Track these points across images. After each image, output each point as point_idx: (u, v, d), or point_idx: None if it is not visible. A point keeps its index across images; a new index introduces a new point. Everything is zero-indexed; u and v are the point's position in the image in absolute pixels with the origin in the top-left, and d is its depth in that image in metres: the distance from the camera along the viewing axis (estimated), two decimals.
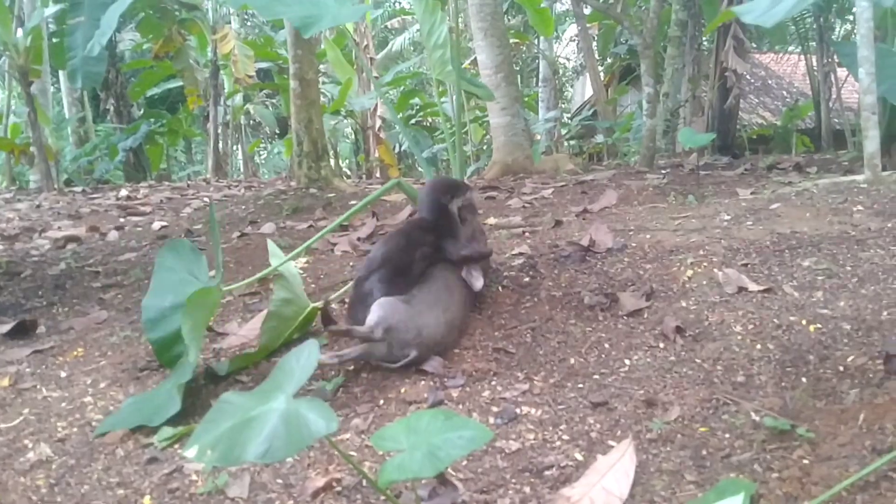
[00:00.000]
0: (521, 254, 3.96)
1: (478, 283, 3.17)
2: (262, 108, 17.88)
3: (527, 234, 4.54)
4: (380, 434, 1.76)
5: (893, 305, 2.82)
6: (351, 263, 4.49)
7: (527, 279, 3.58)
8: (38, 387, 3.22)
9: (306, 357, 1.70)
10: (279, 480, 2.32)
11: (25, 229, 7.53)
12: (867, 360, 2.49)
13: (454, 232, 3.30)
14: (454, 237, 3.28)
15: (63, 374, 3.38)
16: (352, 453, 2.46)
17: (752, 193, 5.50)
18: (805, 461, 2.04)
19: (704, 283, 3.31)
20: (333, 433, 1.57)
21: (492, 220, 5.20)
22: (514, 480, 2.22)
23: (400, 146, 20.08)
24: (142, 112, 19.41)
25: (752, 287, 3.17)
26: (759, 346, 2.73)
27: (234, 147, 21.17)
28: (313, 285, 4.22)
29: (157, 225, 7.03)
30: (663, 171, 7.54)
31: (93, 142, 17.78)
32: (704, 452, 2.20)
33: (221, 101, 17.67)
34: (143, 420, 2.74)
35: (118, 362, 3.43)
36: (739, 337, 2.82)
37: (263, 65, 17.44)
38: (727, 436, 2.25)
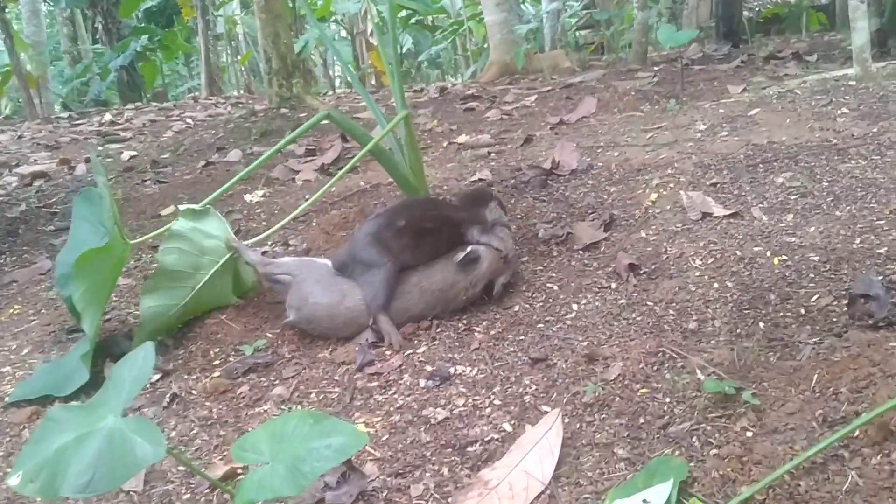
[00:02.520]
0: (480, 180, 3.67)
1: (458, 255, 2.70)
2: (249, 18, 17.22)
3: (492, 154, 4.24)
4: (240, 443, 1.53)
5: (867, 230, 2.53)
6: (306, 196, 4.22)
7: None
8: None
9: (140, 366, 1.46)
10: (181, 468, 2.12)
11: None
12: (832, 300, 2.22)
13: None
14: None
15: None
16: None
17: (742, 91, 5.13)
18: (748, 434, 1.79)
19: (668, 207, 3.03)
20: (162, 459, 1.35)
21: (462, 139, 4.88)
22: (433, 459, 2.01)
23: (400, 48, 19.40)
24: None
25: (718, 212, 2.88)
26: (716, 285, 2.46)
27: (235, 58, 20.52)
28: (265, 222, 3.97)
29: (125, 155, 6.75)
30: (656, 68, 7.10)
31: (83, 62, 17.33)
32: (641, 420, 1.96)
33: (210, 11, 17.03)
34: (51, 390, 2.55)
35: (47, 323, 3.23)
36: (697, 273, 2.55)
37: None
38: (667, 400, 2.01)
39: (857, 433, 1.67)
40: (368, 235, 2.69)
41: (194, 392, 2.50)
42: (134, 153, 6.84)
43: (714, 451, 1.78)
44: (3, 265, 4.22)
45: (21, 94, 11.90)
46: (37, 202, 5.53)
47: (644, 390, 2.07)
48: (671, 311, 2.40)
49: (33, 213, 5.18)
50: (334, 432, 1.49)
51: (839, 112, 3.64)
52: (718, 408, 1.91)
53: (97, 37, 18.09)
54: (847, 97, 3.88)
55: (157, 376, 2.63)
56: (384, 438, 2.13)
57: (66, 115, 12.21)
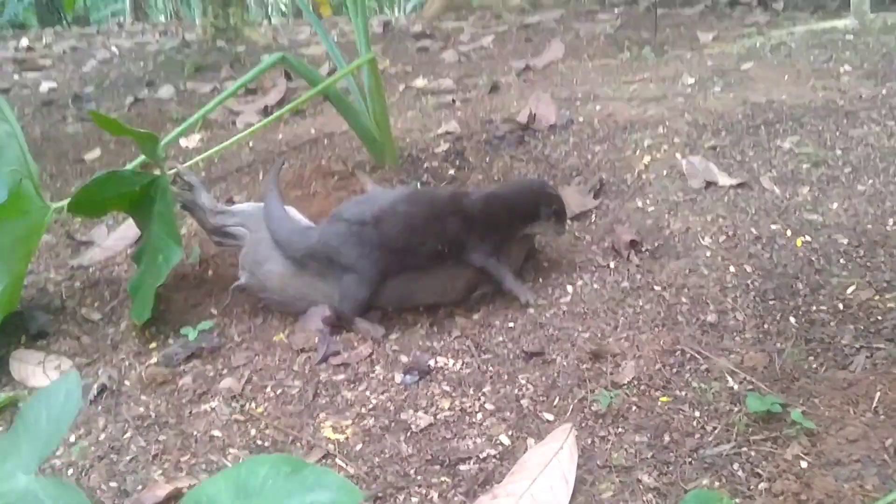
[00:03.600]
0: (448, 133, 3.30)
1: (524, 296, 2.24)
2: None
3: (457, 102, 3.86)
4: (195, 496, 1.18)
5: None
6: (251, 143, 3.79)
7: (452, 171, 2.95)
8: None
9: (63, 403, 1.09)
10: (112, 483, 1.76)
11: None
12: (873, 293, 1.96)
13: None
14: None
15: None
16: (215, 433, 1.90)
17: (713, 39, 4.83)
18: (803, 463, 1.51)
19: (665, 173, 2.72)
20: None
21: (420, 83, 4.48)
22: (419, 479, 1.68)
23: None
24: None
25: (723, 181, 2.59)
26: (732, 269, 2.17)
27: None
28: (203, 173, 3.54)
29: (44, 87, 6.14)
30: (616, 10, 6.77)
31: None
32: (667, 438, 1.67)
33: None
34: None
35: None
36: (708, 253, 2.26)
37: None
38: (696, 413, 1.72)
39: None
40: (360, 243, 2.19)
41: (127, 383, 2.12)
42: (53, 84, 6.24)
43: (764, 484, 1.49)
44: None
45: None
46: None
47: (665, 399, 1.78)
48: (683, 299, 2.11)
49: None
50: (319, 486, 1.15)
51: (841, 69, 3.36)
52: (762, 428, 1.62)
53: None
54: (847, 53, 3.61)
55: (84, 361, 2.24)
56: (357, 448, 1.80)
57: None
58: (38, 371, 2.20)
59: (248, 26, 6.73)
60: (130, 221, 3.05)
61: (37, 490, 1.02)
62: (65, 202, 2.38)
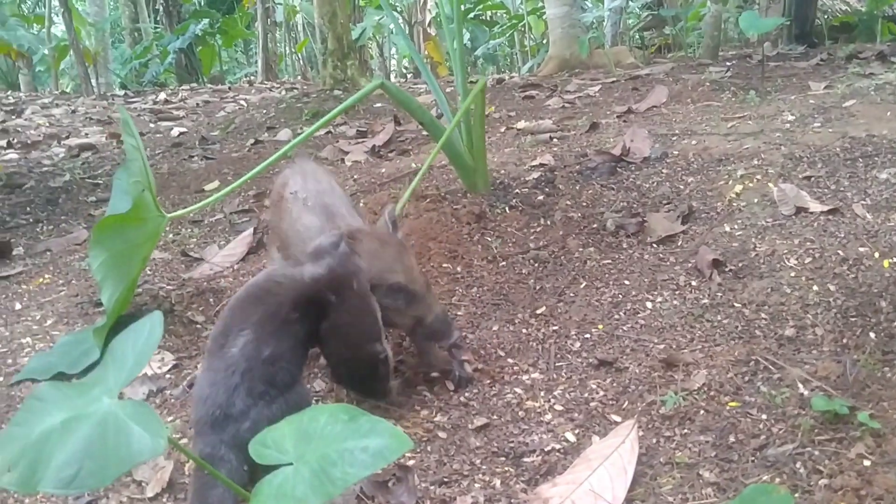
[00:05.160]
0: (541, 165, 3.38)
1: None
2: (308, 4, 17.07)
3: (555, 140, 3.94)
4: (261, 439, 1.28)
5: None
6: (355, 176, 3.97)
7: (541, 197, 3.01)
8: None
9: (146, 337, 1.21)
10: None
11: (49, 136, 7.20)
12: None
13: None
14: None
15: (18, 307, 2.98)
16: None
17: (825, 88, 4.75)
18: (865, 462, 1.49)
19: (755, 201, 2.71)
20: (160, 453, 1.11)
21: (521, 125, 4.59)
22: (483, 468, 1.73)
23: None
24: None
25: (814, 207, 2.56)
26: (816, 288, 2.15)
27: (293, 47, 20.48)
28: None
29: (175, 131, 6.60)
30: (728, 63, 6.73)
31: (142, 43, 17.41)
32: (732, 439, 1.67)
33: None
34: (65, 366, 2.33)
35: (75, 294, 3.02)
36: (793, 274, 2.24)
37: None
38: (764, 416, 1.71)
39: None
40: None
41: None
42: (184, 129, 6.69)
43: (824, 480, 1.48)
44: (39, 233, 4.04)
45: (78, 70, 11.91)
46: (81, 173, 5.38)
47: (734, 404, 1.78)
48: (763, 315, 2.10)
49: (76, 184, 5.02)
50: (372, 433, 1.23)
51: None
52: (828, 429, 1.61)
53: (158, 19, 18.20)
54: None
55: (185, 356, 2.40)
56: (425, 439, 1.87)
57: (121, 93, 12.18)
58: None
59: (364, 77, 7.04)
60: (238, 240, 3.27)
61: (118, 411, 1.13)
62: (179, 212, 2.59)
